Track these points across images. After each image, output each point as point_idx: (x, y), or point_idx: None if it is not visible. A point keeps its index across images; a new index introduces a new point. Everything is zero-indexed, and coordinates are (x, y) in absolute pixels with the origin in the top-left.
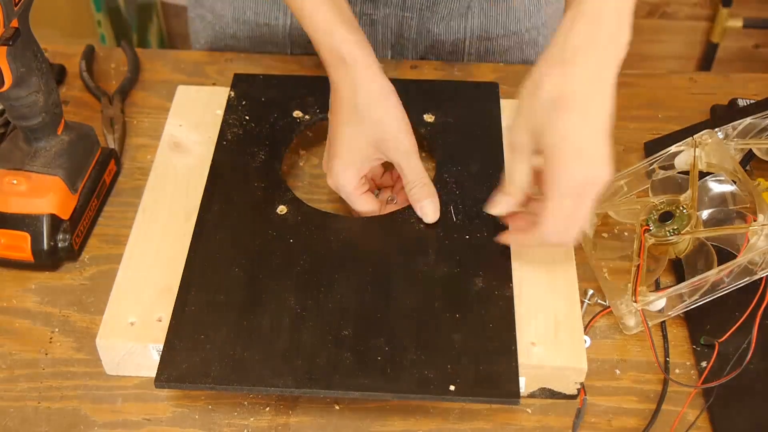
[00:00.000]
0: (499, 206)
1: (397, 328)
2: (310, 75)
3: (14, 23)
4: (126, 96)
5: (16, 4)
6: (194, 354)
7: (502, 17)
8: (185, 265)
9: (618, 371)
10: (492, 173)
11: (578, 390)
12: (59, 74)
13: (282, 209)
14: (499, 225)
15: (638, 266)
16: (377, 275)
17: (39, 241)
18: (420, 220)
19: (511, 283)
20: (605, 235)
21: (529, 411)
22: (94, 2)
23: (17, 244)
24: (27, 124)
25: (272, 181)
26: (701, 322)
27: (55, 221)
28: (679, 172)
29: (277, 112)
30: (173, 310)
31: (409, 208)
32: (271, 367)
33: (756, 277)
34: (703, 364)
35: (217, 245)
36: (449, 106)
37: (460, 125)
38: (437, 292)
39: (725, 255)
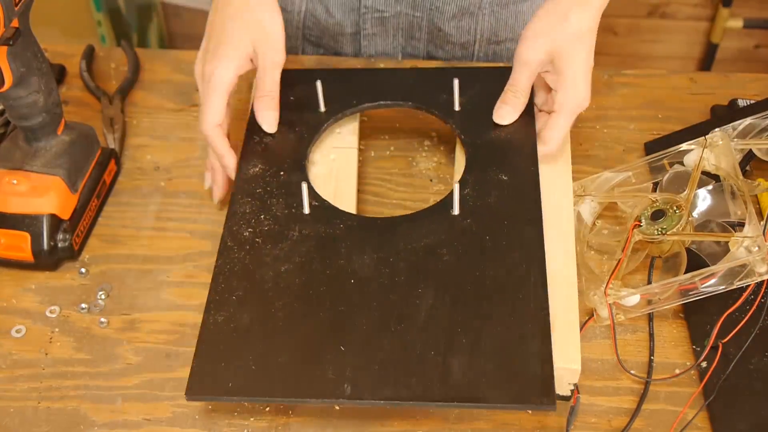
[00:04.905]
0: (510, 115)
1: (430, 336)
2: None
3: (14, 23)
4: (126, 96)
5: (16, 4)
6: (226, 366)
7: (510, 21)
8: (213, 276)
9: (618, 371)
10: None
11: (572, 391)
12: (59, 74)
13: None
14: (526, 229)
15: (619, 260)
16: (406, 281)
17: (39, 241)
18: (446, 215)
19: (546, 290)
20: (605, 231)
21: (529, 411)
22: (94, 2)
23: (17, 244)
24: (27, 124)
25: (298, 180)
26: (701, 322)
27: (55, 221)
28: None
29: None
30: (203, 322)
31: (427, 209)
32: (303, 378)
33: (732, 288)
34: (704, 364)
35: (244, 256)
36: (472, 92)
37: (487, 110)
38: (469, 297)
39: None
